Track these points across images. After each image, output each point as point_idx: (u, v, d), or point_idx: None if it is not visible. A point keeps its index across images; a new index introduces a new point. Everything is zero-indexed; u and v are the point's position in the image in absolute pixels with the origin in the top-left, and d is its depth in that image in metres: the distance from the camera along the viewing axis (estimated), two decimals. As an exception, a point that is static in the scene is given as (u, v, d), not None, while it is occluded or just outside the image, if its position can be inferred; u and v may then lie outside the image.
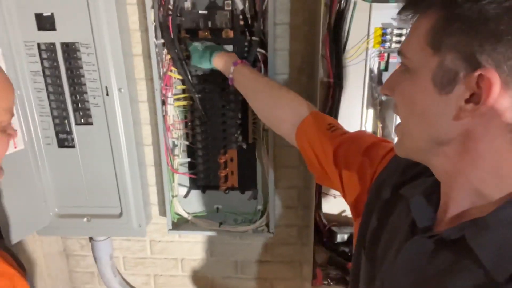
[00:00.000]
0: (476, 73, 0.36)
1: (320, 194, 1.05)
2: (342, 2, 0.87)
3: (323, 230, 1.04)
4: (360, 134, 0.67)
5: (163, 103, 0.99)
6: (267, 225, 1.07)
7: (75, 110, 0.99)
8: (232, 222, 1.11)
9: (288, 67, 0.99)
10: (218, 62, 0.84)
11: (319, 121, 0.71)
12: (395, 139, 0.53)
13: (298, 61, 0.99)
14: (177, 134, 1.04)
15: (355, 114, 0.95)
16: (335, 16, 0.89)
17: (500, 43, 0.35)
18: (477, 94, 0.37)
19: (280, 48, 0.98)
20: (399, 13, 0.43)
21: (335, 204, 1.04)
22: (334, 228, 1.02)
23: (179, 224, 1.12)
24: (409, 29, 0.44)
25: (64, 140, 1.03)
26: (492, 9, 0.35)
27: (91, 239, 1.19)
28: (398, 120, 0.50)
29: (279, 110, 0.75)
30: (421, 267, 0.43)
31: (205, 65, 0.87)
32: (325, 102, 0.96)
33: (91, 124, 1.00)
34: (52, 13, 0.91)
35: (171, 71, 0.97)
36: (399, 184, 0.53)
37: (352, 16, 0.91)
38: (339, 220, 1.05)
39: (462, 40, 0.37)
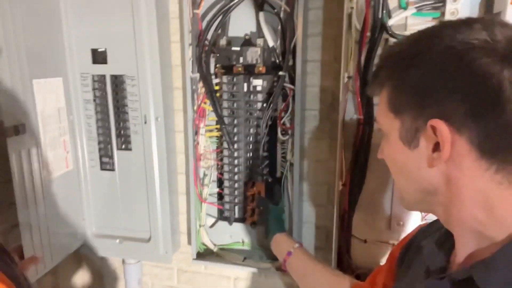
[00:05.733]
0: (428, 125, 0.41)
1: (350, 238, 0.99)
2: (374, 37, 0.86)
3: (352, 275, 0.97)
4: None
5: (196, 133, 1.03)
6: (292, 264, 1.03)
7: (117, 136, 1.08)
8: (257, 258, 1.09)
9: (319, 103, 0.99)
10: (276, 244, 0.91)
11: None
12: None
13: (329, 97, 0.98)
14: (207, 164, 1.07)
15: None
16: (366, 52, 0.88)
17: (438, 96, 0.40)
18: (439, 142, 0.41)
19: (311, 84, 0.98)
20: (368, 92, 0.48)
21: (365, 249, 0.98)
22: (362, 274, 0.95)
23: (205, 254, 1.12)
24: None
25: (106, 164, 1.11)
26: (419, 74, 0.41)
27: (123, 261, 1.23)
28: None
29: None
30: None
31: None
32: (354, 141, 0.93)
33: (130, 150, 1.08)
34: (105, 49, 1.02)
35: (205, 103, 1.02)
36: (423, 238, 0.57)
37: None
38: (369, 267, 0.98)
39: (410, 101, 0.43)
